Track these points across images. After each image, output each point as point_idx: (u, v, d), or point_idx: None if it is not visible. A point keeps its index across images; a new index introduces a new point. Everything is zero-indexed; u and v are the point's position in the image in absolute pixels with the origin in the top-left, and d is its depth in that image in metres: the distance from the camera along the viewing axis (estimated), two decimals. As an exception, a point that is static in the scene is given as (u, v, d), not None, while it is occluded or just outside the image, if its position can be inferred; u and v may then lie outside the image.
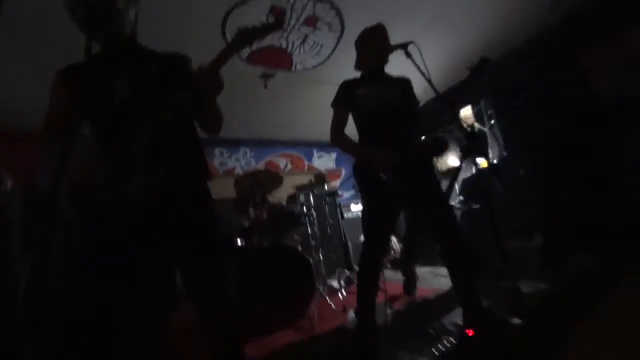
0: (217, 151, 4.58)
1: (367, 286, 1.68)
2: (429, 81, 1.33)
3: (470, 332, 1.38)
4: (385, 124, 1.61)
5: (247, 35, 1.04)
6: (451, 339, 1.34)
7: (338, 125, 1.68)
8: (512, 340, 1.42)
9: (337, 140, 1.68)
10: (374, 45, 1.70)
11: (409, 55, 1.50)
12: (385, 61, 1.70)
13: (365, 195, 1.70)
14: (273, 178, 2.89)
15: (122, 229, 0.98)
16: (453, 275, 1.56)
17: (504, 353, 1.37)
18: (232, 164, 4.70)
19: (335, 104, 1.72)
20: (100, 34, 1.01)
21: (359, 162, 1.69)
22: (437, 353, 1.24)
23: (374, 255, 1.69)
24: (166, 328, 1.27)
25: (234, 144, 4.70)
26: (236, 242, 2.73)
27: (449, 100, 3.42)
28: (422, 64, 1.37)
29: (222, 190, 2.76)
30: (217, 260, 1.12)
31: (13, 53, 2.34)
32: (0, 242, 0.61)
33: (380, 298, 2.44)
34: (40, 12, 2.00)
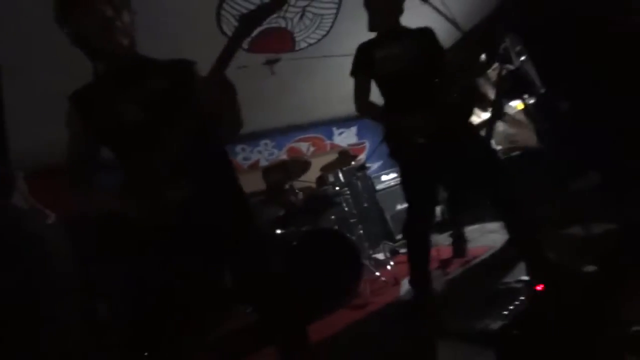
0: (239, 148, 4.60)
1: (417, 252, 1.62)
2: (452, 21, 1.18)
3: (540, 287, 1.28)
4: (411, 85, 1.47)
5: (251, 20, 0.92)
6: (520, 297, 1.25)
7: (361, 93, 1.56)
8: (586, 290, 1.31)
9: (363, 110, 1.58)
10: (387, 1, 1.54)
11: (424, -1, 1.33)
12: (399, 13, 1.54)
13: (401, 163, 1.60)
14: (300, 164, 2.84)
15: (163, 251, 0.96)
16: (510, 228, 1.46)
17: (578, 305, 1.27)
18: (255, 156, 4.71)
19: (354, 72, 1.60)
20: (96, 51, 0.96)
21: (388, 129, 1.59)
22: (507, 314, 1.15)
23: (418, 220, 1.63)
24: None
25: (253, 138, 4.68)
26: (275, 232, 2.74)
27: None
28: (440, 4, 1.21)
29: (250, 184, 2.77)
30: (267, 258, 1.11)
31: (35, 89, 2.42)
32: (40, 272, 0.60)
33: (432, 266, 2.39)
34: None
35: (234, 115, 1.04)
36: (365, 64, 1.56)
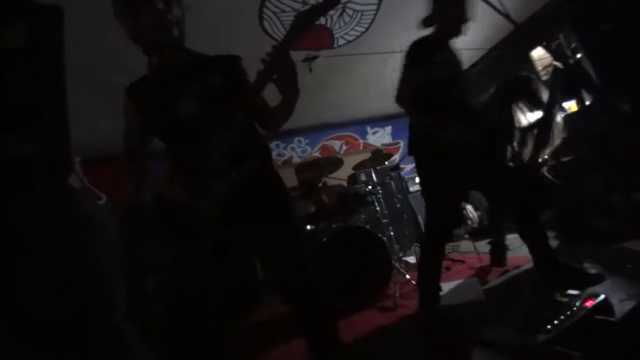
0: (273, 144, 4.70)
1: (433, 267, 1.61)
2: (506, 15, 1.11)
3: (589, 302, 1.17)
4: (458, 93, 1.52)
5: (308, 18, 0.93)
6: (567, 312, 1.16)
7: (408, 85, 1.53)
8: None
9: (404, 100, 1.55)
10: (462, 13, 1.54)
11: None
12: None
13: (431, 168, 1.60)
14: (332, 162, 2.85)
15: (208, 240, 1.02)
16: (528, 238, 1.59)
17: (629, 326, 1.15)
18: (289, 153, 4.79)
19: (410, 65, 1.55)
20: (150, 44, 1.03)
21: (418, 132, 1.60)
22: (551, 329, 1.07)
23: (442, 231, 1.62)
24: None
25: (288, 135, 4.77)
26: (305, 229, 2.77)
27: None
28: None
29: (283, 179, 2.82)
30: (303, 250, 1.15)
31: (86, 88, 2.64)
32: (90, 245, 0.65)
33: (467, 272, 2.29)
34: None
35: (294, 94, 1.05)
36: (423, 62, 1.53)
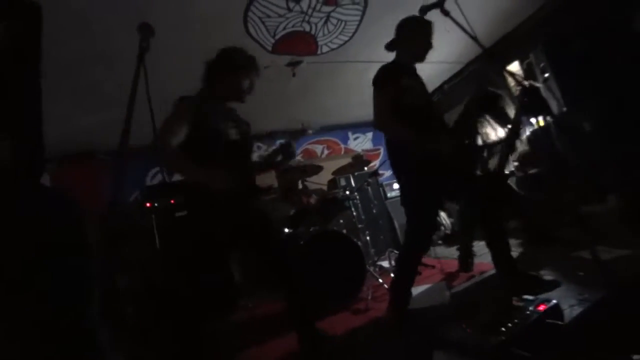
0: (255, 146, 4.69)
1: (410, 273, 1.71)
2: (474, 38, 1.20)
3: (542, 307, 1.27)
4: (429, 112, 1.68)
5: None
6: (522, 315, 1.25)
7: (387, 108, 1.61)
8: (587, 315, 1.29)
9: (386, 125, 1.64)
10: (427, 40, 1.70)
11: (446, 13, 1.36)
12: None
13: (413, 181, 1.69)
14: (314, 169, 2.89)
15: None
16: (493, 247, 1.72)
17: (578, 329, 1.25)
18: (270, 156, 4.79)
19: (381, 88, 1.65)
20: (225, 94, 1.61)
21: (397, 148, 1.71)
22: (505, 331, 1.15)
23: (426, 239, 1.72)
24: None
25: (269, 137, 4.77)
26: (283, 231, 2.79)
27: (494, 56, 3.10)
28: (464, 20, 1.23)
29: (264, 181, 2.82)
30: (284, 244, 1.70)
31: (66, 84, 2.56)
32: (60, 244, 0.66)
33: (437, 277, 2.38)
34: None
35: None
36: (393, 85, 1.63)
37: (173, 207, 3.26)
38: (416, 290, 2.08)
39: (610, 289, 1.37)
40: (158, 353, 1.88)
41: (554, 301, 1.26)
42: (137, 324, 2.18)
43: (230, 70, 1.56)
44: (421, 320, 1.67)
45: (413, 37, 1.70)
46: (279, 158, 1.76)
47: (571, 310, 1.32)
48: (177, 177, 4.19)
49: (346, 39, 2.99)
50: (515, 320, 1.17)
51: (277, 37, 2.73)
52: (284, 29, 2.65)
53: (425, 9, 1.48)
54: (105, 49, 2.30)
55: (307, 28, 2.72)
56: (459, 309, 1.71)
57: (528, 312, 1.21)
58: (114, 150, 3.50)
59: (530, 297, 1.37)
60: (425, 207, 1.67)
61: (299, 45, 2.92)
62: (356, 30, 2.90)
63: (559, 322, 1.20)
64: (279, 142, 1.77)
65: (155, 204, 3.22)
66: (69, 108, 2.86)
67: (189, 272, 1.57)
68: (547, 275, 1.76)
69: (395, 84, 1.60)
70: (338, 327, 1.88)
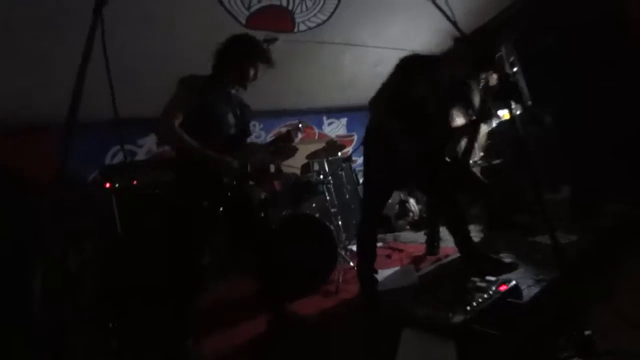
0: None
1: (371, 250, 1.80)
2: (454, 23, 1.18)
3: (503, 287, 1.34)
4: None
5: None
6: (484, 295, 1.31)
7: (386, 92, 1.68)
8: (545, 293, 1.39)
9: (378, 106, 1.70)
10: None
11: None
12: None
13: (378, 162, 1.75)
14: (289, 151, 2.81)
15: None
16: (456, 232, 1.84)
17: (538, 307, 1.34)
18: (242, 137, 4.63)
19: (400, 77, 1.68)
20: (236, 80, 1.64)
21: (375, 130, 1.76)
22: (469, 310, 1.21)
23: (375, 225, 1.84)
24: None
25: (242, 117, 4.60)
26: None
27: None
28: (444, 4, 1.21)
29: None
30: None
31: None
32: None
33: (405, 261, 2.46)
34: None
35: None
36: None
37: (135, 188, 3.07)
38: (385, 272, 2.14)
39: (562, 270, 1.47)
40: (115, 339, 1.79)
41: (514, 282, 1.34)
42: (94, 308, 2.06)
43: (242, 59, 1.59)
44: (390, 299, 1.72)
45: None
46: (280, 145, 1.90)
47: (529, 290, 1.40)
48: (141, 157, 3.95)
49: (325, 18, 2.89)
50: (479, 300, 1.22)
51: (251, 9, 2.58)
52: (260, 0, 2.51)
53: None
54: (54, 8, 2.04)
55: (285, 2, 2.59)
56: (426, 290, 1.78)
57: (491, 292, 1.27)
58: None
59: (492, 279, 1.44)
60: (381, 184, 1.79)
61: (274, 20, 2.78)
62: (335, 9, 2.81)
63: (519, 301, 1.27)
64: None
65: (116, 185, 3.00)
66: (12, 77, 2.55)
67: (154, 255, 1.58)
68: (506, 258, 1.87)
69: (415, 76, 1.65)
70: (309, 309, 1.89)
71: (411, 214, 3.90)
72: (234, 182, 1.56)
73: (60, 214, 0.69)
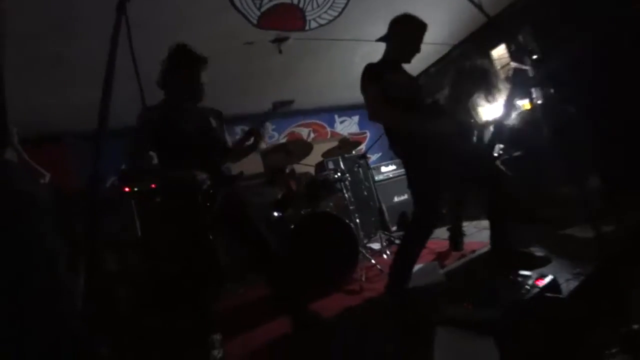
0: (239, 128, 4.51)
1: (416, 254, 1.66)
2: (479, 6, 1.14)
3: (540, 281, 1.28)
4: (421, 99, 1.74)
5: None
6: (521, 290, 1.25)
7: (377, 99, 1.61)
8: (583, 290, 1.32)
9: (381, 113, 1.65)
10: (419, 41, 1.71)
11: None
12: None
13: (421, 162, 1.65)
14: (301, 147, 2.79)
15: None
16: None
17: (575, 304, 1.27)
18: (255, 138, 4.64)
19: (367, 86, 1.67)
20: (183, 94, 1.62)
21: (397, 135, 1.70)
22: (506, 306, 1.15)
23: (434, 222, 1.67)
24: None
25: (254, 119, 4.60)
26: (271, 215, 2.71)
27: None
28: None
29: (250, 165, 2.71)
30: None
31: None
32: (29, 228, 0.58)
33: (429, 257, 2.40)
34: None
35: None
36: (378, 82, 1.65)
37: (154, 191, 3.10)
38: (409, 270, 2.08)
39: (601, 263, 1.39)
40: (141, 339, 1.81)
41: (551, 276, 1.27)
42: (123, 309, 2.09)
43: (175, 70, 1.57)
44: (419, 298, 1.67)
45: (410, 35, 1.71)
46: (250, 142, 1.81)
47: (568, 284, 1.34)
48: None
49: (335, 14, 2.86)
50: (517, 295, 1.17)
51: (263, 9, 2.57)
52: (271, 0, 2.50)
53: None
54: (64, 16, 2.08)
55: (295, 0, 2.58)
56: (455, 287, 1.72)
57: (528, 287, 1.22)
58: (82, 132, 3.27)
59: (527, 273, 1.38)
60: (435, 187, 1.65)
61: (285, 19, 2.77)
62: (346, 5, 2.78)
63: (559, 296, 1.21)
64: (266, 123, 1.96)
65: (135, 189, 3.05)
66: (29, 87, 2.61)
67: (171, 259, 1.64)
68: (537, 252, 1.79)
69: (379, 81, 1.61)
70: (332, 309, 1.85)
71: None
72: (209, 192, 1.55)
73: (96, 219, 0.69)
